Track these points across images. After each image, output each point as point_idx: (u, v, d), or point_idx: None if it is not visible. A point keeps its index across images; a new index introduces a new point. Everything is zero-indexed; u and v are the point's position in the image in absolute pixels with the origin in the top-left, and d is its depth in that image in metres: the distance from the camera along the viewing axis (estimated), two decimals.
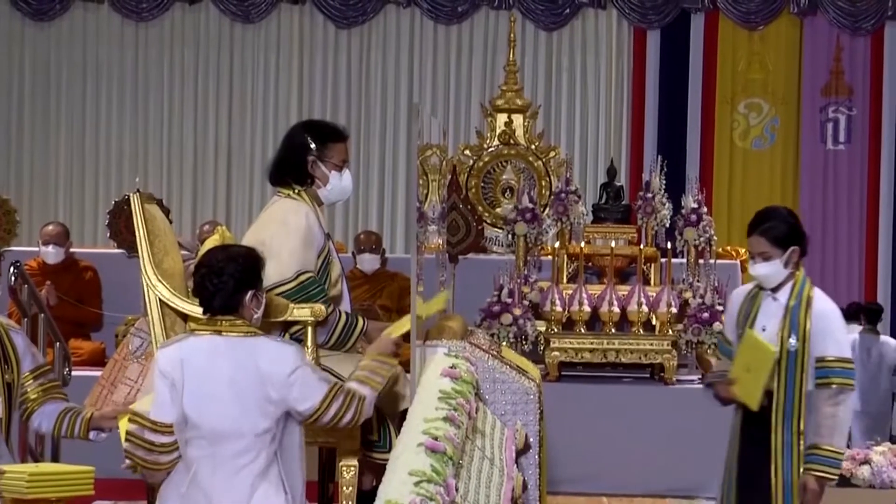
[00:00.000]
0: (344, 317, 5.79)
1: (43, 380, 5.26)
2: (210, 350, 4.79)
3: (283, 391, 4.76)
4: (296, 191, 5.85)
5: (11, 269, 8.36)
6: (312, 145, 5.85)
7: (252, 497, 4.73)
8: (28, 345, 5.33)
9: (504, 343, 9.18)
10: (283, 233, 5.69)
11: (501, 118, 12.09)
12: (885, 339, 12.70)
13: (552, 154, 12.14)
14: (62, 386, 5.44)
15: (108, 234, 11.87)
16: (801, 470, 5.66)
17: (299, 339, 5.60)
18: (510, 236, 10.49)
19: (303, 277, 5.68)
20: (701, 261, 10.34)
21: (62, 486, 4.79)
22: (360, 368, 5.20)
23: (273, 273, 5.53)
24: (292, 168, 5.86)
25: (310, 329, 5.59)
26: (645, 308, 9.86)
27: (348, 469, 5.64)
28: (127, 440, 4.84)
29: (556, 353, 9.86)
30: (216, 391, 4.74)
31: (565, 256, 10.39)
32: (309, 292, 5.67)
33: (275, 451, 4.80)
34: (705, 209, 10.48)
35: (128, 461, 4.97)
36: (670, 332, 9.91)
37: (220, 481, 4.73)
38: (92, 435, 5.18)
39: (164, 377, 4.79)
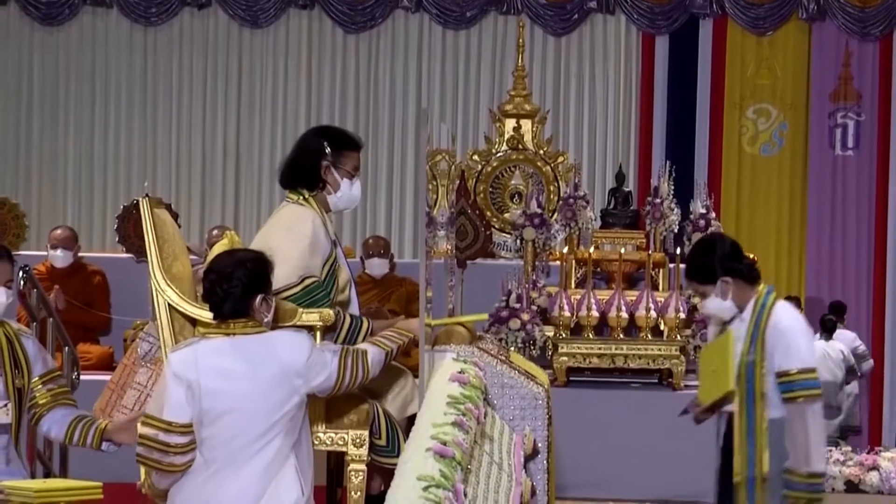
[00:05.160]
0: (349, 319, 5.80)
1: (52, 385, 5.27)
2: (225, 349, 4.82)
3: (306, 376, 4.84)
4: (304, 196, 5.86)
5: (20, 273, 8.37)
6: (328, 150, 5.87)
7: (267, 488, 4.76)
8: (39, 350, 5.33)
9: (512, 348, 9.18)
10: (288, 238, 5.71)
11: (510, 123, 12.09)
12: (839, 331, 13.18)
13: (560, 159, 12.14)
14: (71, 391, 5.44)
15: (117, 239, 11.90)
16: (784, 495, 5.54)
17: None
18: (518, 241, 10.50)
19: (308, 282, 5.70)
20: None
21: (70, 495, 4.81)
22: (372, 335, 5.47)
23: (280, 277, 5.55)
24: (305, 172, 5.87)
25: (318, 334, 5.60)
26: (653, 313, 9.86)
27: (357, 474, 5.65)
28: (140, 444, 4.83)
29: (565, 358, 9.86)
30: (236, 387, 4.76)
31: (573, 261, 10.39)
32: (314, 297, 5.69)
33: (291, 444, 4.82)
34: (713, 214, 10.49)
35: (140, 481, 4.99)
36: (679, 337, 9.90)
37: (232, 472, 4.74)
38: (104, 446, 5.18)
39: (179, 379, 4.80)
